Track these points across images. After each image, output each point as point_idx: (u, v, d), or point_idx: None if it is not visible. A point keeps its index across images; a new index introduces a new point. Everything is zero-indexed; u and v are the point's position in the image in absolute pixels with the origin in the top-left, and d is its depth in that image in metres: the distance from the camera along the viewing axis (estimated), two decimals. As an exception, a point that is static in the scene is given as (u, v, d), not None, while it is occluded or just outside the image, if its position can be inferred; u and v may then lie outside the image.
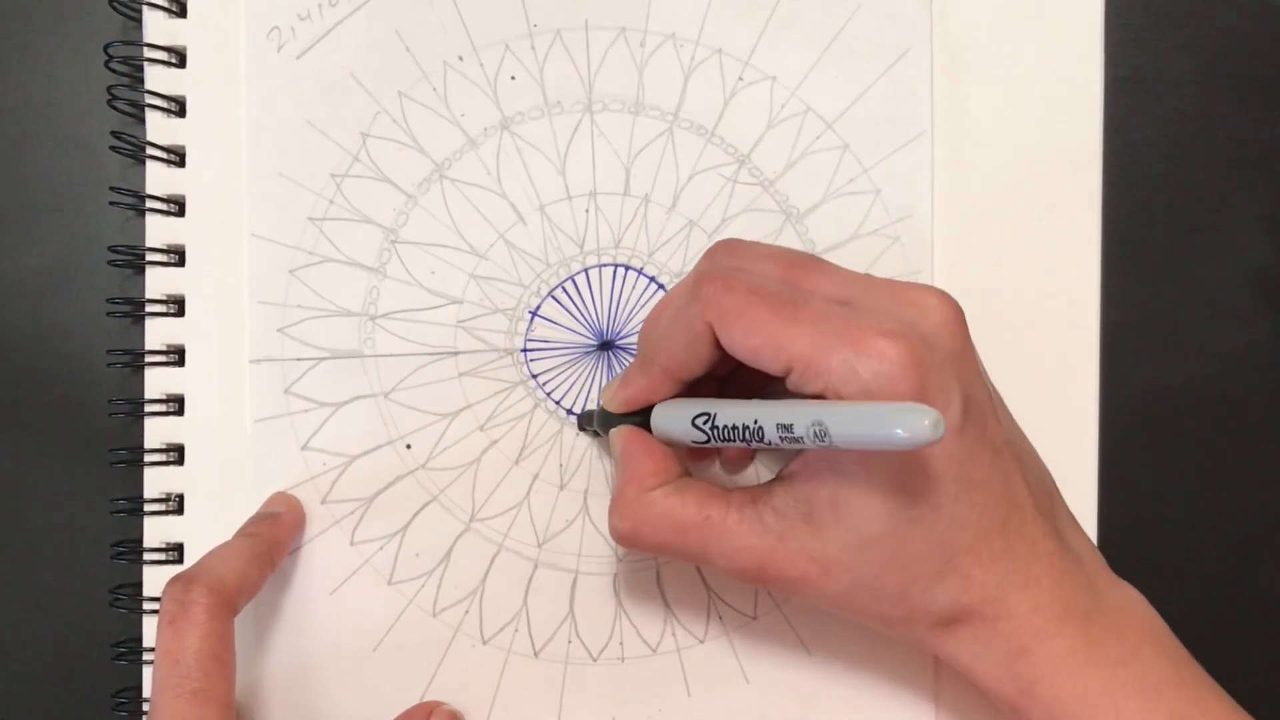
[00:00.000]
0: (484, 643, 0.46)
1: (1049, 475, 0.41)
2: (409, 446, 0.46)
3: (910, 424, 0.31)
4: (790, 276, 0.39)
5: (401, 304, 0.46)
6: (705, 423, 0.38)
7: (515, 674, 0.46)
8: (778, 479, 0.39)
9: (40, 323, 0.47)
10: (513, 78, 0.46)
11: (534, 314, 0.46)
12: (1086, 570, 0.39)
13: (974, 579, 0.37)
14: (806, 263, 0.39)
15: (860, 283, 0.38)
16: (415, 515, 0.46)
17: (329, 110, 0.46)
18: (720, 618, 0.46)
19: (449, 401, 0.46)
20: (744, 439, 0.37)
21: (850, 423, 0.33)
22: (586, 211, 0.46)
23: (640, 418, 0.42)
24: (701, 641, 0.46)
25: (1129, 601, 0.40)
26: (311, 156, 0.46)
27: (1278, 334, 0.47)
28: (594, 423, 0.44)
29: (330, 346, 0.46)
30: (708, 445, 0.39)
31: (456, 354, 0.46)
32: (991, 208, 0.46)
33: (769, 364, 0.36)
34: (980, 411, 0.37)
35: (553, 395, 0.46)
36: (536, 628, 0.46)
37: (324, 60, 0.46)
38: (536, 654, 0.46)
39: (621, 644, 0.46)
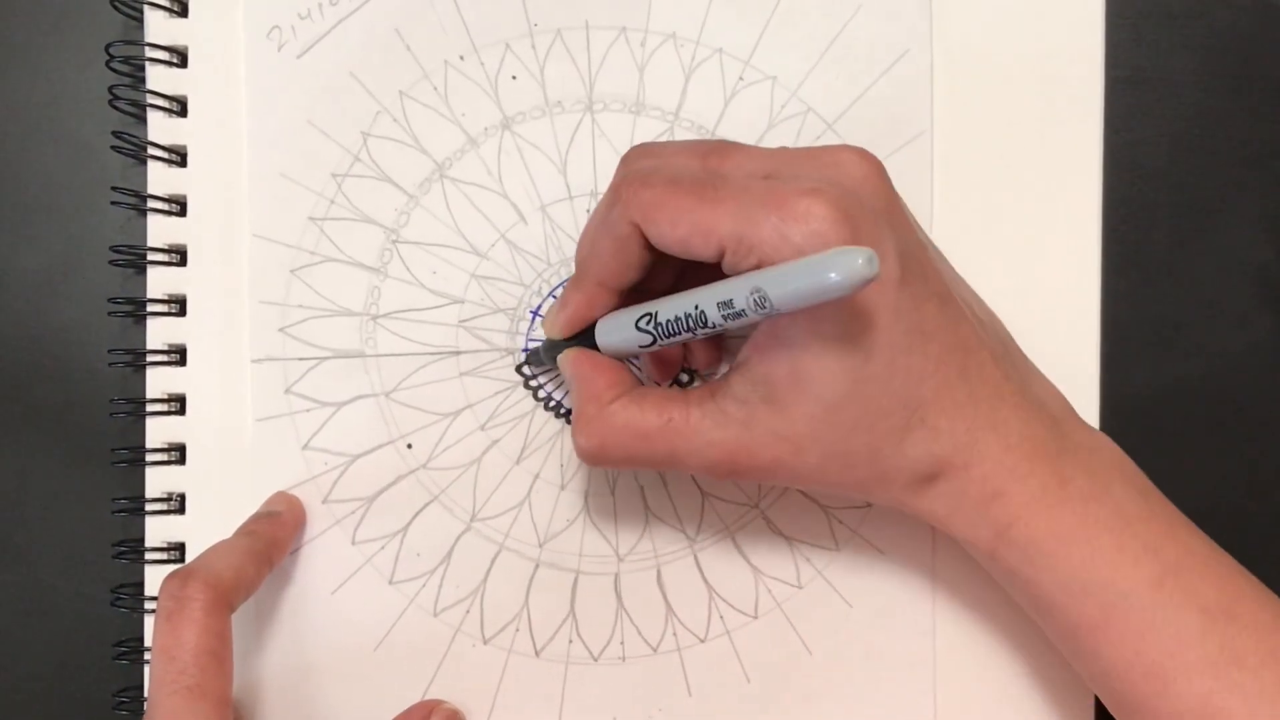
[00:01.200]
0: (485, 642, 0.46)
1: (1001, 323, 0.42)
2: (410, 446, 0.46)
3: (843, 266, 0.31)
4: (707, 164, 0.38)
5: (403, 304, 0.46)
6: (648, 322, 0.38)
7: (516, 674, 0.46)
8: (732, 369, 0.39)
9: (41, 323, 0.47)
10: (513, 77, 0.46)
11: (535, 314, 0.46)
12: (1052, 412, 0.40)
13: (942, 429, 0.37)
14: (721, 147, 0.39)
15: (778, 155, 0.38)
16: (416, 515, 0.46)
17: (330, 110, 0.46)
18: (721, 617, 0.46)
19: (450, 401, 0.46)
20: (688, 329, 0.36)
21: (785, 281, 0.33)
22: (587, 211, 0.46)
23: (585, 340, 0.41)
24: (702, 641, 0.46)
25: (1097, 442, 0.40)
26: (312, 156, 0.46)
27: (1278, 334, 0.47)
28: (542, 358, 0.44)
29: (331, 346, 0.46)
30: (653, 347, 0.39)
31: (458, 354, 0.46)
32: (991, 208, 0.46)
33: (700, 249, 0.36)
34: (918, 261, 0.37)
35: (553, 395, 0.46)
36: (537, 627, 0.46)
37: (325, 60, 0.46)
38: (537, 654, 0.46)
39: (622, 644, 0.46)
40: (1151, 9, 0.47)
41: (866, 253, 0.31)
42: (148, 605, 0.45)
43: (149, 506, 0.45)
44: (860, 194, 0.36)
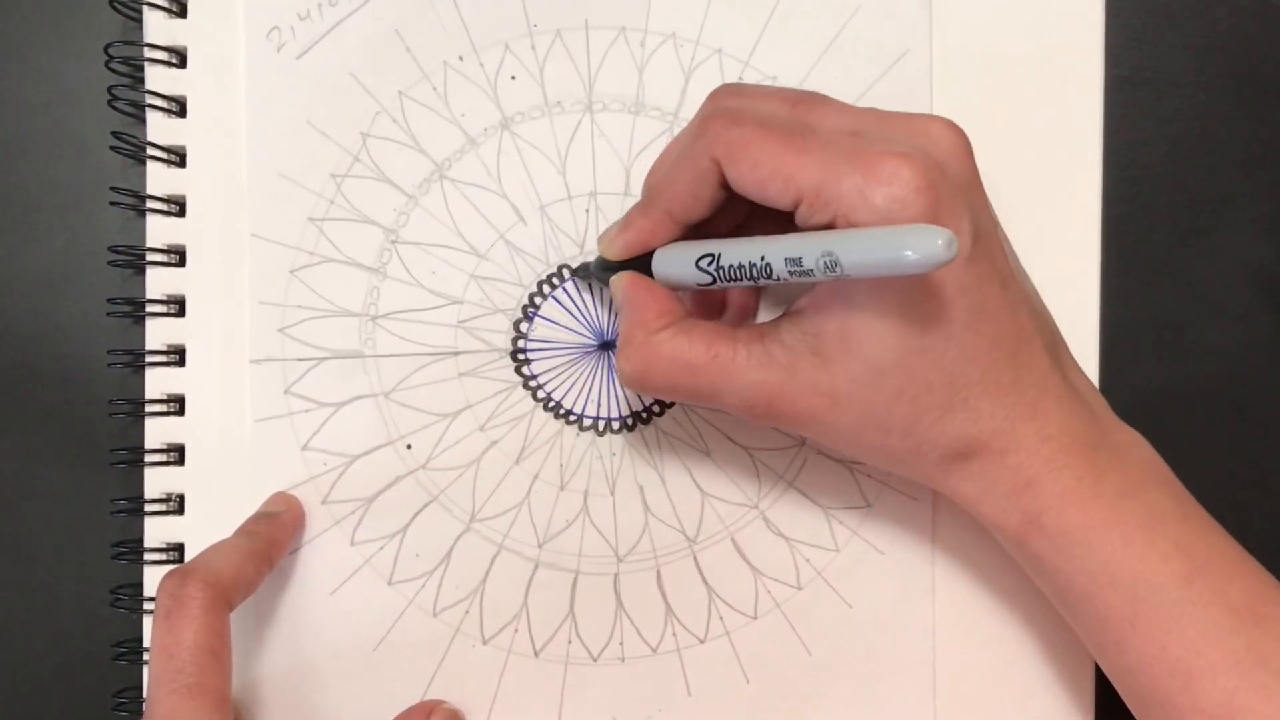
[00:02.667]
0: (484, 643, 0.46)
1: (1052, 317, 0.42)
2: (409, 446, 0.46)
3: (923, 245, 0.31)
4: (796, 112, 0.38)
5: (402, 304, 0.46)
6: (710, 263, 0.38)
7: (515, 674, 0.46)
8: (785, 315, 0.38)
9: (40, 323, 0.47)
10: (513, 77, 0.46)
11: (534, 314, 0.46)
12: (1092, 408, 0.39)
13: (983, 411, 0.37)
14: (812, 98, 0.39)
15: (868, 115, 0.38)
16: (415, 515, 0.46)
17: (329, 110, 0.46)
18: (720, 618, 0.46)
19: (449, 401, 0.46)
20: (750, 277, 0.36)
21: (861, 249, 0.32)
22: (587, 211, 0.46)
23: (639, 264, 0.41)
24: (702, 641, 0.46)
25: (1133, 440, 0.40)
26: (312, 156, 0.46)
27: (1278, 334, 0.47)
28: (592, 272, 0.44)
29: (331, 346, 0.46)
30: (712, 287, 0.39)
31: (457, 354, 0.46)
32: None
33: (777, 196, 0.36)
34: (989, 241, 0.37)
35: (553, 395, 0.46)
36: (536, 628, 0.46)
37: (324, 60, 0.46)
38: (537, 654, 0.46)
39: (622, 644, 0.46)
40: (1151, 9, 0.47)
41: (947, 235, 0.31)
42: (147, 605, 0.45)
43: (148, 507, 0.45)
44: (946, 166, 0.36)
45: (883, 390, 0.37)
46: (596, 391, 0.46)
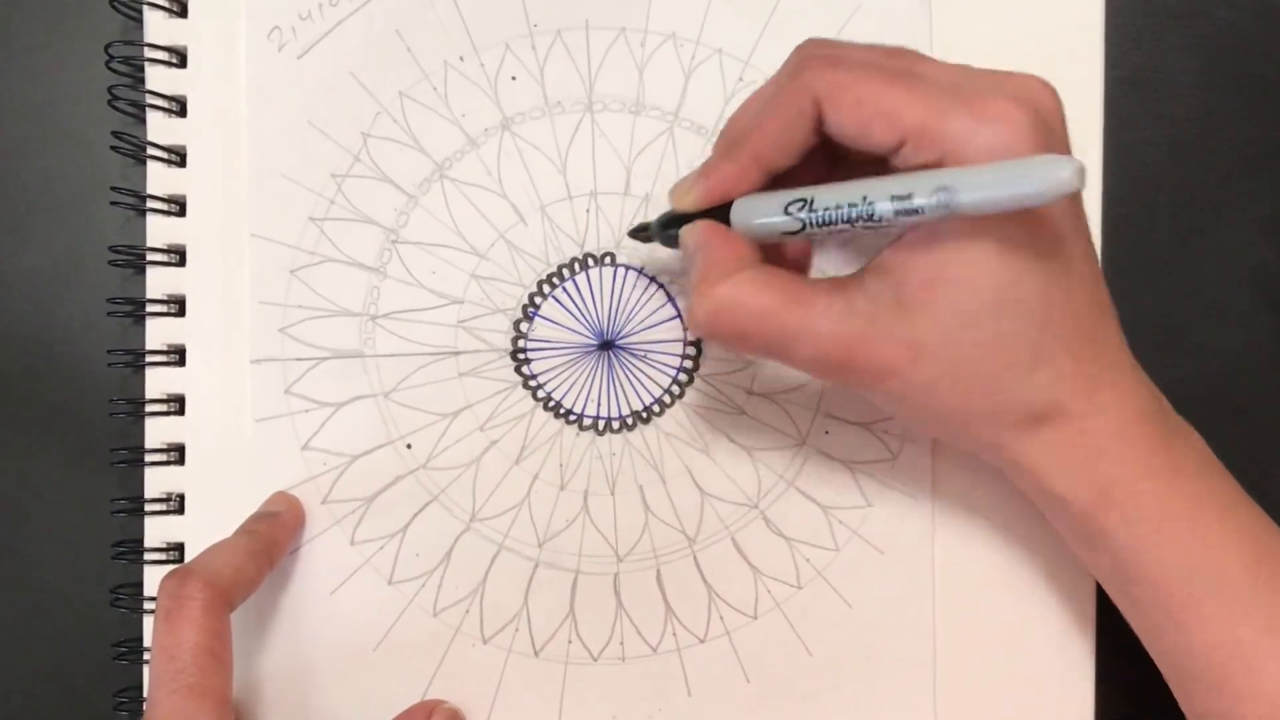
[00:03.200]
0: (484, 642, 0.46)
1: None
2: (409, 446, 0.46)
3: (1048, 175, 0.30)
4: (894, 61, 0.37)
5: (402, 304, 0.46)
6: (801, 208, 0.36)
7: (515, 673, 0.46)
8: (866, 268, 0.37)
9: (40, 323, 0.47)
10: (513, 78, 0.46)
11: (534, 314, 0.46)
12: (1157, 393, 0.39)
13: (1066, 371, 0.36)
14: (908, 51, 0.37)
15: (966, 68, 0.37)
16: (415, 515, 0.46)
17: (330, 110, 0.46)
18: (721, 618, 0.46)
19: (449, 401, 0.46)
20: (848, 220, 0.35)
21: (981, 183, 0.32)
22: (587, 211, 0.46)
23: (713, 217, 0.39)
24: (702, 641, 0.46)
25: (1190, 428, 0.40)
26: (312, 156, 0.46)
27: (1278, 334, 0.47)
28: (653, 233, 0.42)
29: (331, 346, 0.46)
30: (797, 236, 0.37)
31: (457, 354, 0.46)
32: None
33: (881, 134, 0.35)
34: (1079, 204, 0.37)
35: (553, 395, 0.46)
36: (537, 627, 0.46)
37: (325, 60, 0.46)
38: (537, 653, 0.46)
39: (622, 644, 0.46)
40: (1151, 9, 0.47)
41: (1076, 164, 0.30)
42: (147, 605, 0.45)
43: (148, 507, 0.45)
44: (1049, 120, 0.35)
45: (969, 342, 0.35)
46: (596, 391, 0.46)
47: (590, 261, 0.46)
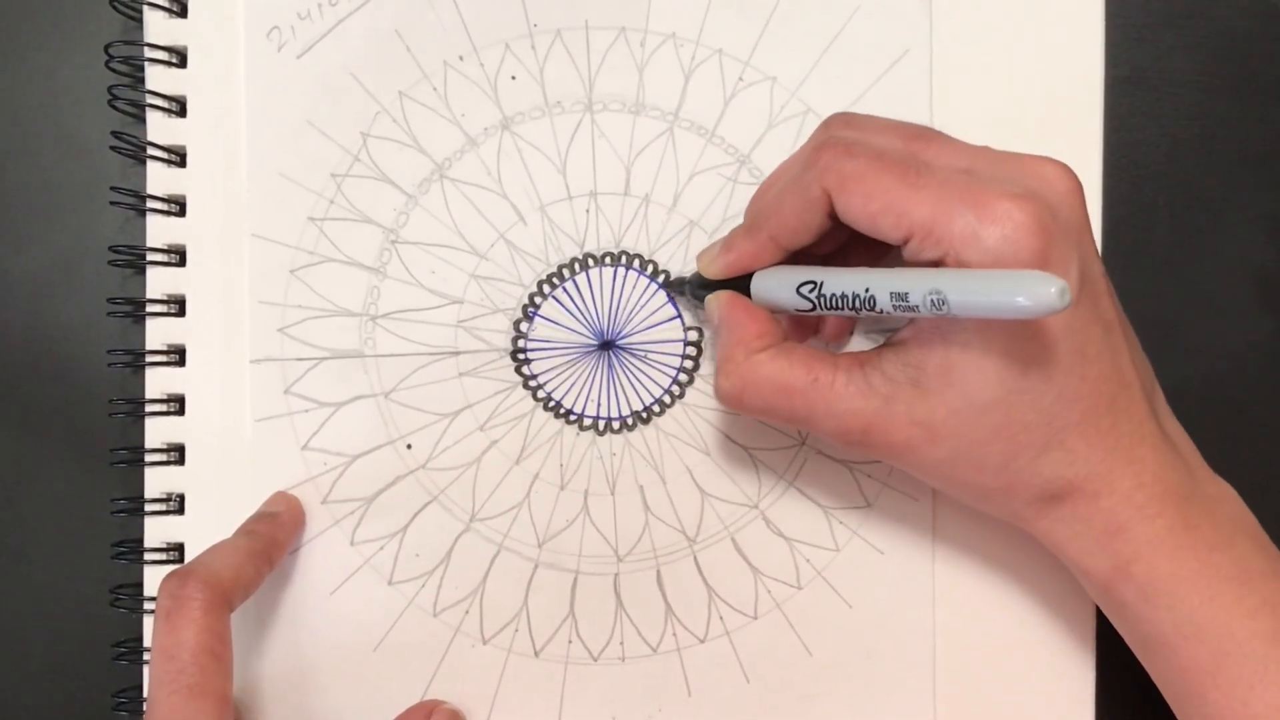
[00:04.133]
0: (484, 643, 0.46)
1: (1148, 364, 0.41)
2: (409, 446, 0.46)
3: (1035, 292, 0.31)
4: (911, 148, 0.38)
5: (402, 304, 0.46)
6: (811, 291, 0.38)
7: (515, 674, 0.46)
8: (887, 345, 0.39)
9: (40, 323, 0.47)
10: (513, 77, 0.46)
11: (535, 314, 0.46)
12: (1186, 458, 0.39)
13: (1079, 454, 0.37)
14: (927, 134, 0.39)
15: (982, 153, 0.38)
16: (415, 515, 0.46)
17: (329, 110, 0.46)
18: (721, 618, 0.46)
19: (449, 401, 0.46)
20: (852, 308, 0.36)
21: (971, 290, 0.33)
22: (587, 211, 0.46)
23: (737, 284, 0.41)
24: (702, 641, 0.46)
25: (1224, 493, 0.40)
26: (312, 156, 0.46)
27: (1278, 334, 0.47)
28: (685, 291, 0.45)
29: (331, 346, 0.46)
30: (810, 314, 0.39)
31: (457, 354, 0.46)
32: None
33: (888, 230, 0.36)
34: (1095, 285, 0.37)
35: (553, 395, 0.46)
36: (537, 628, 0.46)
37: (324, 60, 0.46)
38: (537, 654, 0.46)
39: (622, 644, 0.46)
40: (1151, 9, 0.47)
41: (1061, 284, 0.31)
42: (147, 605, 0.45)
43: (148, 507, 0.45)
44: (1058, 209, 0.36)
45: (981, 427, 0.37)
46: (597, 391, 0.46)
47: (590, 261, 0.46)
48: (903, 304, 0.35)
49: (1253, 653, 0.37)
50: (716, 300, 0.41)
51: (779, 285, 0.39)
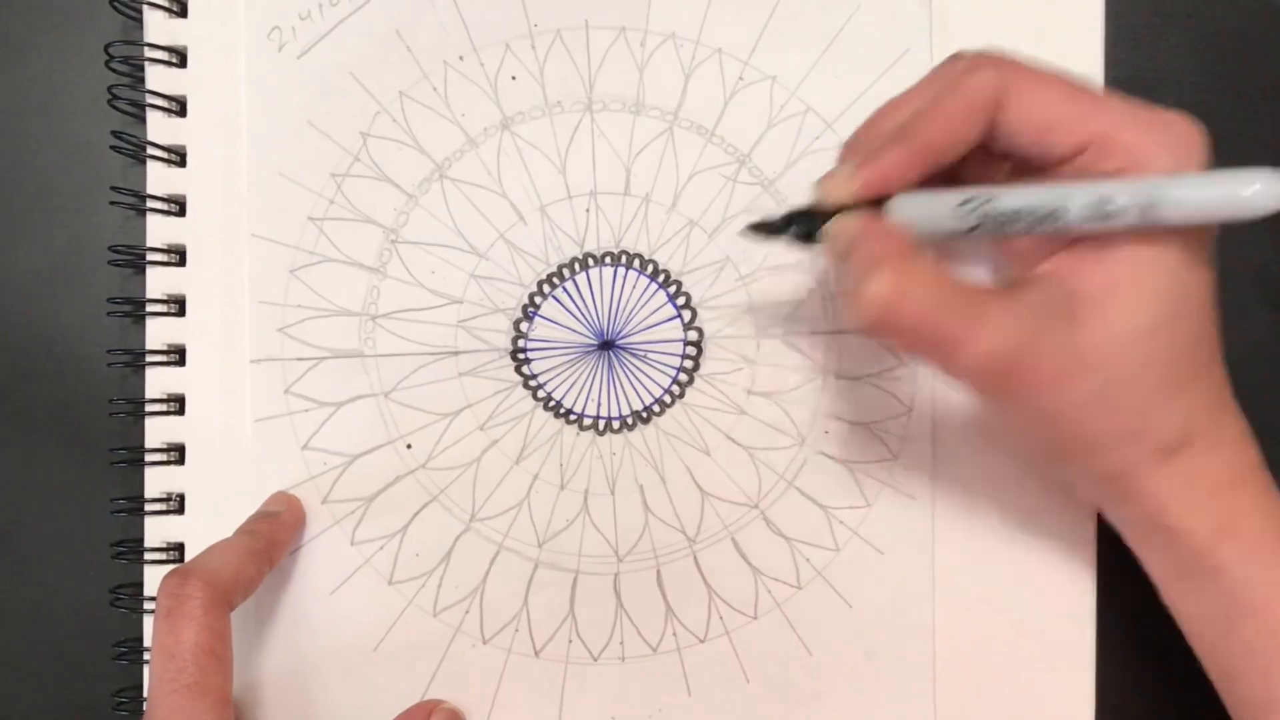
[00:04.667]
0: (484, 642, 0.46)
1: None
2: (409, 446, 0.46)
3: (1262, 187, 0.32)
4: (1068, 74, 0.37)
5: (402, 303, 0.46)
6: (974, 208, 0.36)
7: (515, 674, 0.46)
8: (1029, 279, 0.37)
9: (40, 323, 0.47)
10: (513, 77, 0.46)
11: (534, 314, 0.46)
12: None
13: (1201, 400, 0.37)
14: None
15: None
16: (415, 515, 0.46)
17: (329, 110, 0.46)
18: (720, 617, 0.46)
19: (449, 401, 0.46)
20: (1028, 224, 0.35)
21: (1194, 190, 0.33)
22: (587, 211, 0.46)
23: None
24: (702, 641, 0.46)
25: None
26: (312, 156, 0.46)
27: (1278, 333, 0.47)
28: (786, 228, 0.39)
29: (331, 346, 0.46)
30: (968, 236, 0.36)
31: (457, 354, 0.46)
32: None
33: (1063, 137, 0.35)
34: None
35: (553, 395, 0.46)
36: (537, 627, 0.46)
37: (324, 60, 0.46)
38: (537, 654, 0.46)
39: (622, 644, 0.46)
40: (1151, 9, 0.47)
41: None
42: (147, 605, 0.45)
43: (148, 506, 0.45)
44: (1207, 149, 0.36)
45: (1133, 357, 0.35)
46: (597, 391, 0.46)
47: (590, 261, 0.46)
48: (1099, 211, 0.34)
49: None
50: (848, 221, 0.37)
51: (930, 205, 0.36)
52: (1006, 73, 0.36)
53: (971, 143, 0.37)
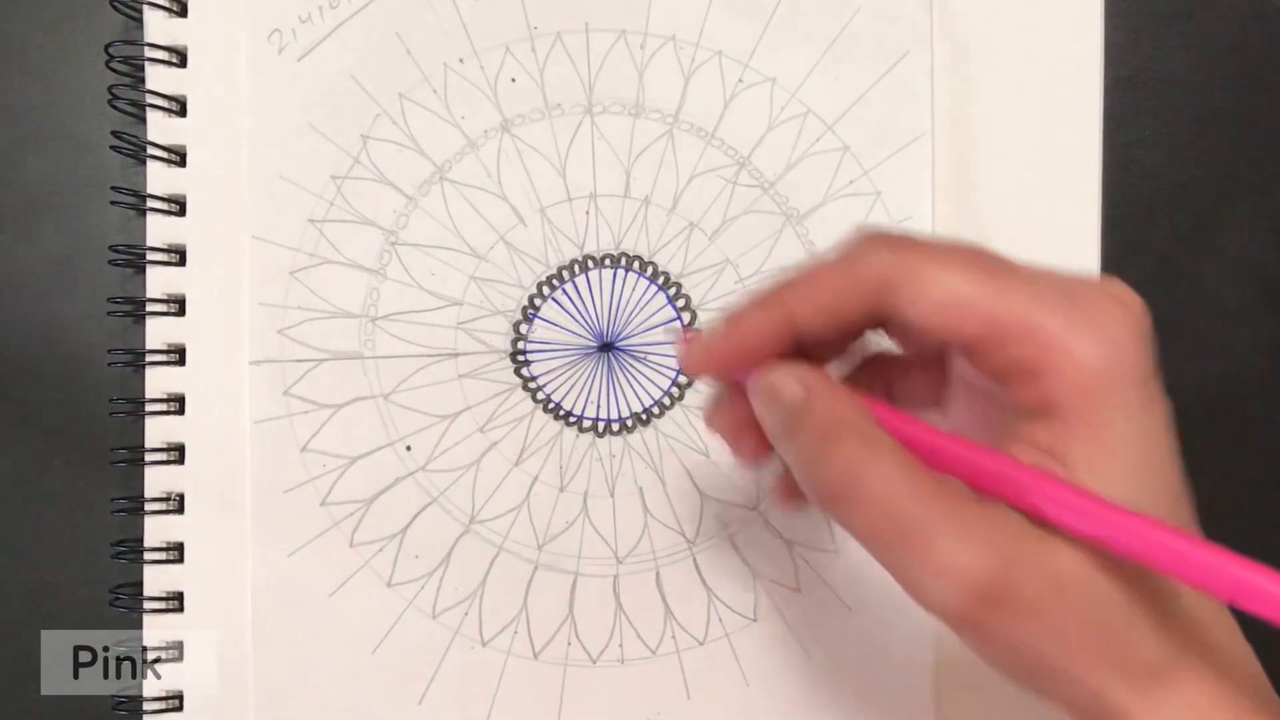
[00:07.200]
0: (483, 644, 0.46)
1: None
2: (409, 448, 0.46)
3: None
4: (972, 249, 0.32)
5: (401, 305, 0.46)
6: None
7: (515, 676, 0.46)
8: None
9: (40, 322, 0.47)
10: (513, 80, 0.46)
11: (534, 315, 0.46)
12: None
13: (1204, 606, 0.32)
14: (981, 247, 0.32)
15: (1048, 271, 0.32)
16: (415, 517, 0.46)
17: (329, 112, 0.46)
18: (720, 620, 0.46)
19: (449, 403, 0.46)
20: None
21: None
22: (587, 213, 0.46)
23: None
24: (701, 644, 0.46)
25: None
26: (312, 158, 0.46)
27: (1278, 334, 0.47)
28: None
29: (330, 348, 0.46)
30: None
31: (456, 355, 0.46)
32: (991, 209, 0.46)
33: (965, 326, 0.30)
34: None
35: (553, 397, 0.46)
36: (536, 629, 0.46)
37: (325, 62, 0.46)
38: (536, 656, 0.46)
39: (621, 646, 0.46)
40: (1151, 9, 0.47)
41: None
42: (147, 605, 0.45)
43: (148, 506, 0.45)
44: (1146, 330, 0.31)
45: (1117, 575, 0.30)
46: (596, 393, 0.46)
47: (590, 263, 0.46)
48: None
49: None
50: (795, 373, 0.32)
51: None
52: (906, 253, 0.31)
53: (854, 323, 0.32)
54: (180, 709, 0.46)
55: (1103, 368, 0.30)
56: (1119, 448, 0.30)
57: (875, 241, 0.32)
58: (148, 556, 0.46)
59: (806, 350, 0.33)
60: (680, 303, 0.46)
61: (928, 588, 0.31)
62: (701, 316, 0.46)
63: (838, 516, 0.32)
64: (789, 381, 0.32)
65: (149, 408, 0.45)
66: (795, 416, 0.32)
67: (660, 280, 0.46)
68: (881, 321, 0.32)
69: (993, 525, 0.30)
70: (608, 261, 0.46)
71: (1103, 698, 0.31)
